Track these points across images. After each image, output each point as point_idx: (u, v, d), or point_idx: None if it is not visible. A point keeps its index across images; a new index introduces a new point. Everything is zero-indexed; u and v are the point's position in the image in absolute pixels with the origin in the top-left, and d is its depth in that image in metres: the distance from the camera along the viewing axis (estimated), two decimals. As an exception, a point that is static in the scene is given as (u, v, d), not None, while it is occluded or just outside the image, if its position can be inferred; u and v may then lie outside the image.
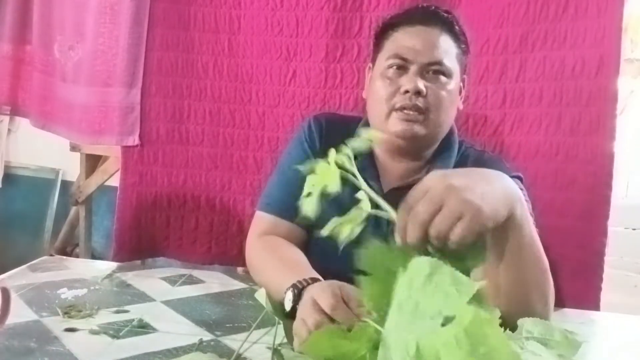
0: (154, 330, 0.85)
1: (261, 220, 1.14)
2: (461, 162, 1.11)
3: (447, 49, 1.05)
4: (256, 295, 0.79)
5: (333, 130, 1.13)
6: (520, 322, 0.70)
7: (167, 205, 1.51)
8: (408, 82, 1.01)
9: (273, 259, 1.03)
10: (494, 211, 0.69)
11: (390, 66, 1.05)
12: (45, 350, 0.75)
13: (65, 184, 2.84)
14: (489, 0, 1.38)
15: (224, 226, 1.51)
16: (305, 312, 0.77)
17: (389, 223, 1.04)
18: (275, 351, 0.71)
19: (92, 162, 1.96)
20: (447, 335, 0.48)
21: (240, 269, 1.57)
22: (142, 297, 1.01)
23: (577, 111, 1.29)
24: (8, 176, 2.91)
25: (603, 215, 1.25)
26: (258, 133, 1.49)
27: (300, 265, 0.98)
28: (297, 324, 0.78)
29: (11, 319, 0.83)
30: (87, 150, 1.90)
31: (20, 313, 0.87)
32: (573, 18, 1.29)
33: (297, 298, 0.83)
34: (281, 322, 0.79)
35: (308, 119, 1.20)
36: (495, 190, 0.72)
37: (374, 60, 1.13)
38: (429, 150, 1.11)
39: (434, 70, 1.03)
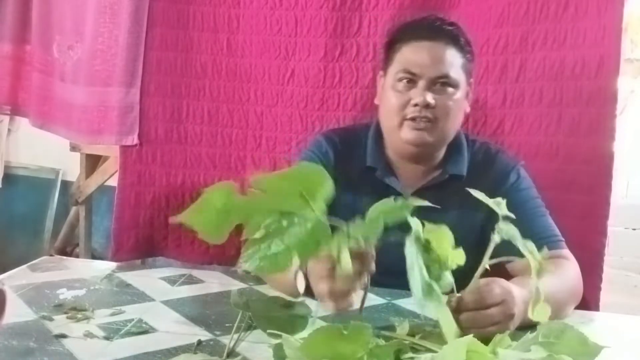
0: (154, 330, 0.84)
1: None
2: (474, 159, 1.19)
3: (452, 61, 1.11)
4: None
5: (346, 146, 1.21)
6: (539, 327, 0.71)
7: (166, 205, 1.51)
8: (417, 95, 1.09)
9: None
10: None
11: (400, 79, 1.12)
12: (45, 350, 0.75)
13: (65, 184, 2.84)
14: (489, 0, 1.37)
15: (222, 226, 1.51)
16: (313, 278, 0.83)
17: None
18: (275, 349, 0.71)
19: (92, 162, 1.96)
20: None
21: (239, 269, 1.57)
22: (142, 297, 1.00)
23: (577, 111, 1.29)
24: (8, 176, 2.91)
25: (603, 215, 1.24)
26: (256, 133, 1.49)
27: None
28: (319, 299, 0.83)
29: (11, 319, 0.83)
30: (87, 150, 1.90)
31: (20, 313, 0.87)
32: (573, 18, 1.29)
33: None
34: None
35: (318, 137, 1.25)
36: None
37: (385, 70, 1.18)
38: (438, 153, 1.18)
39: (441, 82, 1.10)
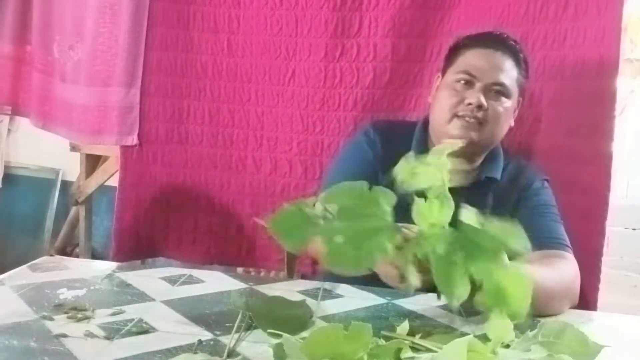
0: (154, 329, 0.84)
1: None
2: (507, 168, 1.24)
3: (509, 72, 1.18)
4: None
5: (393, 137, 1.25)
6: (539, 326, 0.71)
7: (166, 206, 1.51)
8: (472, 96, 1.15)
9: None
10: None
11: (458, 80, 1.18)
12: (45, 350, 0.75)
13: (65, 184, 2.84)
14: (489, 1, 1.38)
15: (223, 226, 1.51)
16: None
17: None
18: (276, 349, 0.71)
19: (92, 162, 1.96)
20: None
21: (240, 269, 1.57)
22: (142, 297, 1.00)
23: (577, 111, 1.29)
24: (8, 176, 2.91)
25: (602, 215, 1.25)
26: (257, 133, 1.49)
27: None
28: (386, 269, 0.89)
29: (11, 319, 0.83)
30: (87, 150, 1.90)
31: (20, 313, 0.87)
32: (573, 18, 1.29)
33: None
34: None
35: (366, 126, 1.29)
36: None
37: (443, 72, 1.23)
38: (479, 157, 1.22)
39: (495, 89, 1.16)
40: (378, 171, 1.21)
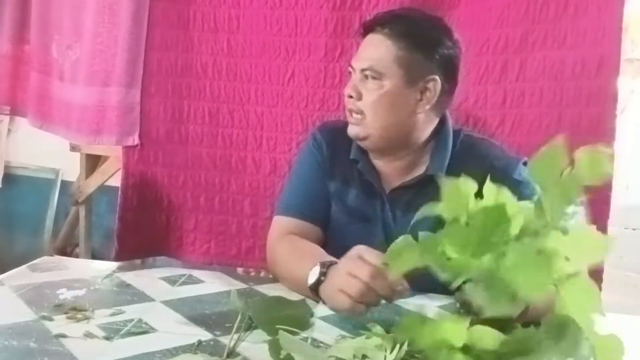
0: (154, 330, 0.84)
1: (280, 224, 1.19)
2: (461, 152, 1.15)
3: (383, 53, 1.08)
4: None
5: (336, 140, 1.22)
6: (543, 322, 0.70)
7: (167, 206, 1.51)
8: (347, 87, 1.12)
9: (294, 251, 1.09)
10: None
11: (349, 73, 1.15)
12: (45, 350, 0.75)
13: (65, 184, 2.84)
14: (489, 0, 1.37)
15: (223, 226, 1.51)
16: (346, 274, 0.87)
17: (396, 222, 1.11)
18: (271, 344, 0.71)
19: (92, 162, 1.96)
20: None
21: (240, 269, 1.57)
22: (142, 297, 1.00)
23: (577, 111, 1.29)
24: (8, 176, 2.91)
25: (603, 215, 1.24)
26: (257, 133, 1.49)
27: (320, 254, 1.04)
28: (335, 295, 0.88)
29: (11, 319, 0.83)
30: (87, 150, 1.90)
31: (20, 313, 0.87)
32: (573, 18, 1.29)
33: (323, 274, 0.93)
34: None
35: (314, 130, 1.27)
36: None
37: None
38: (406, 151, 1.15)
39: (369, 74, 1.09)
40: (326, 176, 1.20)
